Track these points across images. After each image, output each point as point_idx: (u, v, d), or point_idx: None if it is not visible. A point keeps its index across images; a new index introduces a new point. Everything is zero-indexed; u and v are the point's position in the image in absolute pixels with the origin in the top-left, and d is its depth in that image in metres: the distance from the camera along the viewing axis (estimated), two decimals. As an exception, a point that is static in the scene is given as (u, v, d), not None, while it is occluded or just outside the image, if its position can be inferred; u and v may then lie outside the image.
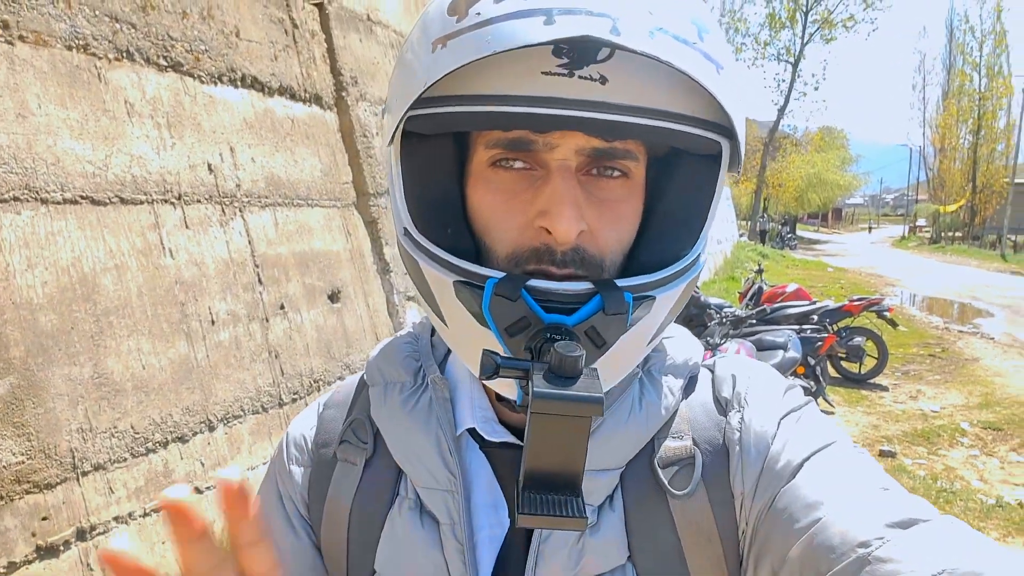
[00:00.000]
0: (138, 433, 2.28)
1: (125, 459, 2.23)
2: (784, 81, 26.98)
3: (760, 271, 8.13)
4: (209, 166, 2.83)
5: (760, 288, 7.49)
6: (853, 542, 0.48)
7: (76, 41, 2.32)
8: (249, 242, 2.98)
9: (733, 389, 0.63)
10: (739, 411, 0.61)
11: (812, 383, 5.39)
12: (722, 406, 0.62)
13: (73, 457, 2.06)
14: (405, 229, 0.57)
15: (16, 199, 2.05)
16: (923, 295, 14.95)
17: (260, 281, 3.00)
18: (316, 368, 3.26)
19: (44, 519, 1.95)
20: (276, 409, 2.97)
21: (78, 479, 2.07)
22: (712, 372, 0.65)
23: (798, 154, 37.31)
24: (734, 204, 24.90)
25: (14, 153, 2.06)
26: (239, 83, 3.08)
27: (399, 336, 0.71)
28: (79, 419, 2.10)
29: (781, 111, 26.77)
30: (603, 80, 0.49)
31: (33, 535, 1.92)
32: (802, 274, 16.52)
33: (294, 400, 3.08)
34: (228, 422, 2.69)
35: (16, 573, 1.86)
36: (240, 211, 2.97)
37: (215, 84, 2.94)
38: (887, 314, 6.91)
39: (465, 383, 0.64)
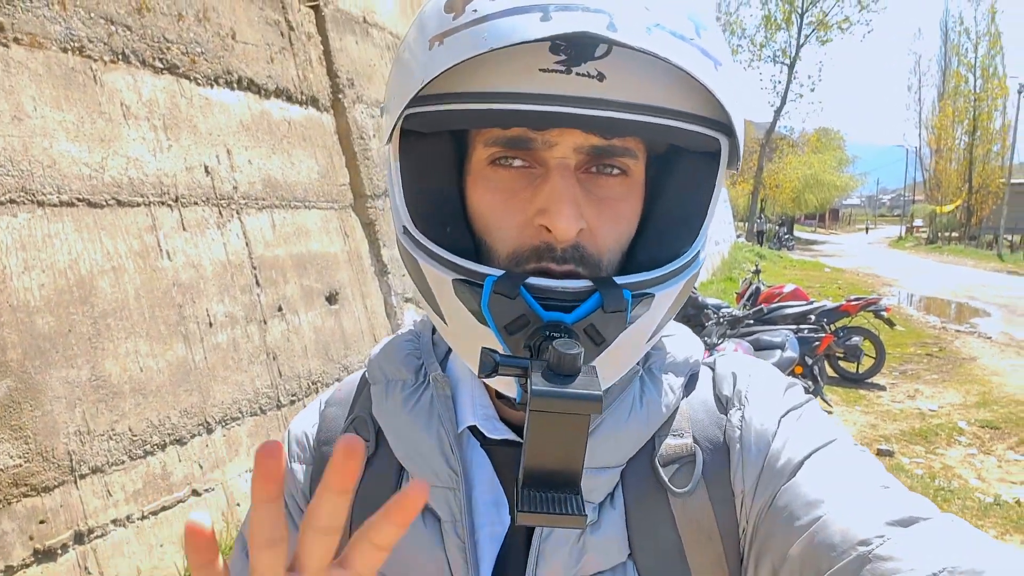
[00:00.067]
0: (136, 435, 2.28)
1: (123, 461, 2.22)
2: (780, 83, 27.08)
3: (757, 271, 8.14)
4: (206, 168, 2.83)
5: (758, 288, 7.50)
6: (854, 540, 0.48)
7: (71, 43, 2.32)
8: (246, 244, 2.98)
9: (734, 387, 0.62)
10: (740, 409, 0.61)
11: (810, 383, 5.40)
12: (723, 404, 0.62)
13: (71, 460, 2.05)
14: (404, 228, 0.57)
15: (12, 201, 2.05)
16: (920, 295, 14.99)
17: (258, 283, 3.00)
18: (314, 370, 3.25)
19: (42, 522, 1.94)
20: (274, 411, 2.97)
21: (76, 482, 2.06)
22: (713, 370, 0.65)
23: (795, 155, 37.39)
24: (731, 205, 24.96)
25: (10, 156, 2.06)
26: (235, 85, 3.08)
27: (400, 334, 0.71)
28: (77, 422, 2.09)
29: (777, 112, 26.85)
30: (601, 77, 0.49)
31: (31, 538, 1.91)
32: (799, 274, 16.55)
33: (292, 402, 3.08)
34: (226, 424, 2.68)
35: (13, 576, 1.85)
36: (237, 213, 2.96)
37: (211, 86, 2.94)
38: (884, 314, 6.92)
39: (466, 381, 0.64)
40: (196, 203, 2.75)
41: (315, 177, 3.54)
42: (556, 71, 0.49)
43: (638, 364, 0.62)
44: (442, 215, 0.56)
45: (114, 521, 2.16)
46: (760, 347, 4.82)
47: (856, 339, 6.74)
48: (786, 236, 32.38)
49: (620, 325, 0.52)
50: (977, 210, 34.22)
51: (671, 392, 0.62)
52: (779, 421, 0.59)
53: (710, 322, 5.50)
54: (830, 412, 5.97)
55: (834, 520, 0.50)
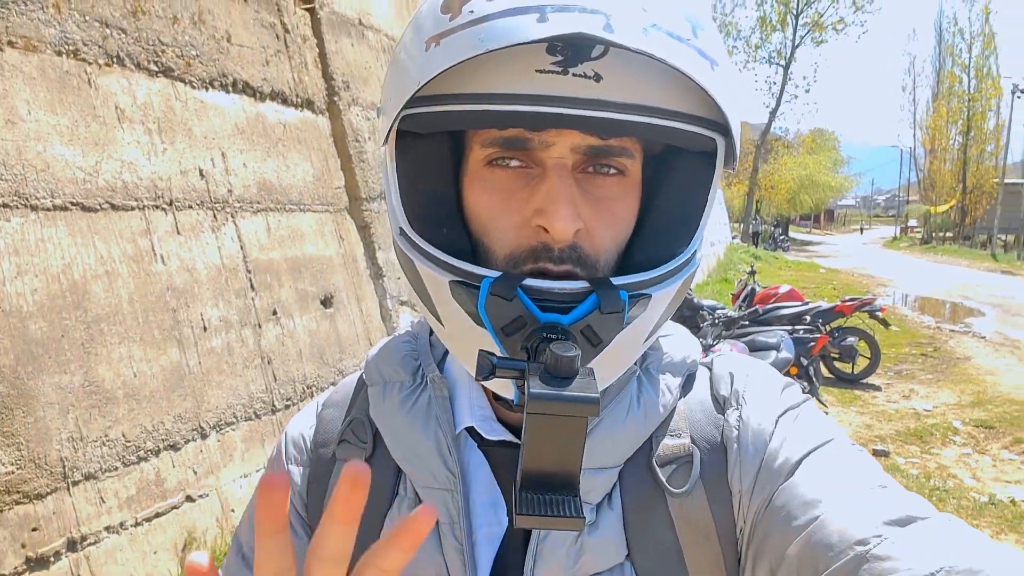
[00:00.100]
0: (129, 441, 2.27)
1: (116, 468, 2.21)
2: (775, 84, 27.16)
3: (753, 272, 8.15)
4: (201, 171, 2.81)
5: (753, 289, 7.51)
6: (851, 540, 0.48)
7: (66, 46, 2.31)
8: (241, 248, 2.97)
9: (731, 387, 0.62)
10: (737, 409, 0.61)
11: (805, 383, 5.41)
12: (720, 404, 0.62)
13: (63, 466, 2.04)
14: (401, 229, 0.57)
15: (5, 206, 2.03)
16: (915, 295, 15.04)
17: (252, 287, 2.99)
18: (309, 374, 3.24)
19: (34, 530, 1.93)
20: (269, 415, 2.95)
21: (68, 489, 2.05)
22: (710, 370, 0.65)
23: (790, 156, 37.49)
24: (727, 206, 25.00)
25: (3, 160, 2.04)
26: (230, 88, 3.07)
27: (398, 335, 0.71)
28: (69, 428, 2.08)
29: (772, 113, 26.93)
30: (597, 78, 0.49)
31: (23, 546, 1.90)
32: (795, 275, 16.59)
33: (287, 406, 3.07)
34: (221, 429, 2.67)
35: (6, 584, 1.84)
36: (232, 216, 2.95)
37: (206, 89, 2.93)
38: (879, 314, 6.94)
39: (464, 382, 0.64)
40: (191, 207, 2.74)
41: (310, 180, 3.54)
42: (553, 72, 0.49)
43: (635, 364, 0.62)
44: (439, 216, 0.56)
45: (107, 528, 2.15)
46: (755, 348, 4.83)
47: (851, 339, 6.76)
48: (781, 237, 32.46)
49: (617, 326, 0.52)
50: (971, 210, 34.38)
51: (668, 392, 0.62)
52: (776, 421, 0.59)
53: (705, 323, 5.51)
54: (826, 413, 5.97)
55: (832, 520, 0.50)
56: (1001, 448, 5.32)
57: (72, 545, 2.03)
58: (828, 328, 6.67)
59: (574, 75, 0.48)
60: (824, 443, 0.57)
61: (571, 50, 0.48)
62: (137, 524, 2.25)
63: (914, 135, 42.46)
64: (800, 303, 6.82)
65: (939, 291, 15.57)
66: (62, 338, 2.11)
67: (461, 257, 0.53)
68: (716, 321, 5.59)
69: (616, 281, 0.52)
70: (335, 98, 3.83)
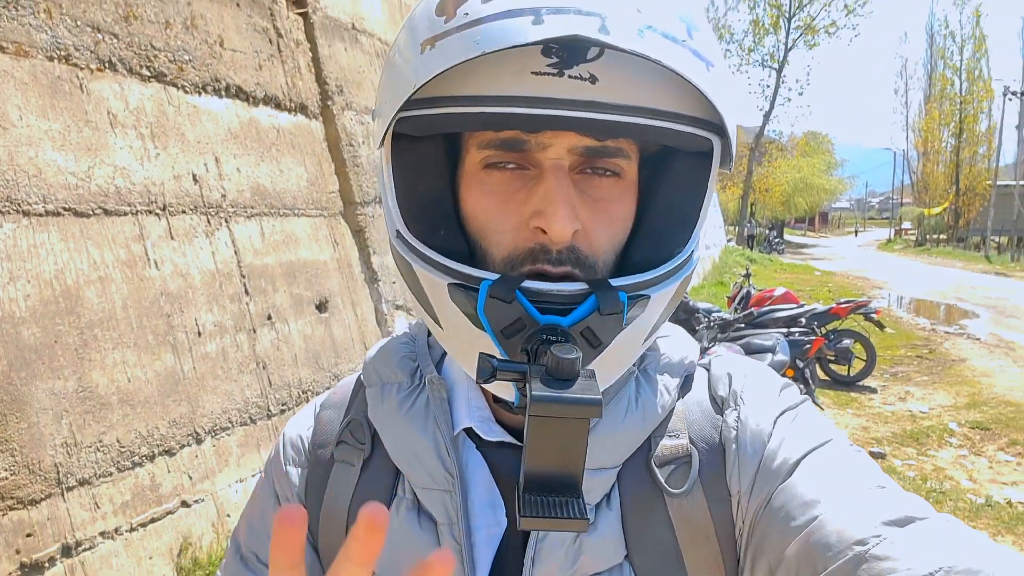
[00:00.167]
0: (124, 447, 2.26)
1: (111, 473, 2.20)
2: (769, 87, 27.27)
3: (748, 275, 8.17)
4: (194, 176, 2.81)
5: (748, 292, 7.52)
6: (850, 540, 0.48)
7: (57, 51, 2.31)
8: (235, 252, 2.96)
9: (729, 387, 0.62)
10: (735, 409, 0.61)
11: (801, 386, 5.42)
12: (718, 404, 0.62)
13: (58, 472, 2.03)
14: (398, 232, 0.56)
15: (-3, 211, 2.03)
16: (910, 297, 15.08)
17: (247, 292, 2.98)
18: (304, 378, 3.23)
19: (28, 535, 1.92)
20: (264, 420, 2.95)
21: (63, 494, 2.04)
22: (708, 371, 0.65)
23: (784, 159, 37.62)
24: (721, 209, 25.06)
25: (-5, 165, 2.04)
26: (223, 93, 3.07)
27: (396, 337, 0.71)
28: (63, 433, 2.07)
29: (766, 116, 27.03)
30: (593, 79, 0.49)
31: (17, 552, 1.88)
32: (790, 278, 16.63)
33: (282, 411, 3.06)
34: (216, 434, 2.66)
35: (-1, 591, 1.83)
36: (226, 221, 2.95)
37: (199, 94, 2.93)
38: (874, 316, 6.96)
39: (462, 383, 0.64)
40: (184, 212, 2.73)
41: (304, 184, 3.53)
42: (548, 74, 0.49)
43: (633, 365, 0.62)
44: (436, 219, 0.56)
45: (102, 533, 2.14)
46: (751, 351, 4.84)
47: (847, 342, 6.77)
48: (776, 240, 32.55)
49: (617, 327, 0.52)
50: (964, 212, 34.53)
51: (666, 393, 0.62)
52: (775, 421, 0.59)
53: (701, 326, 5.52)
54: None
55: (830, 520, 0.50)
56: (997, 449, 5.33)
57: (67, 551, 2.02)
58: (823, 331, 6.69)
59: (570, 77, 0.49)
60: (822, 443, 0.57)
61: (566, 52, 0.48)
62: (132, 529, 2.24)
63: (907, 138, 42.70)
64: (795, 306, 6.84)
65: (934, 293, 15.62)
66: (55, 344, 2.10)
67: (459, 260, 0.53)
68: (711, 324, 5.60)
69: (615, 282, 0.52)
70: (329, 102, 3.83)
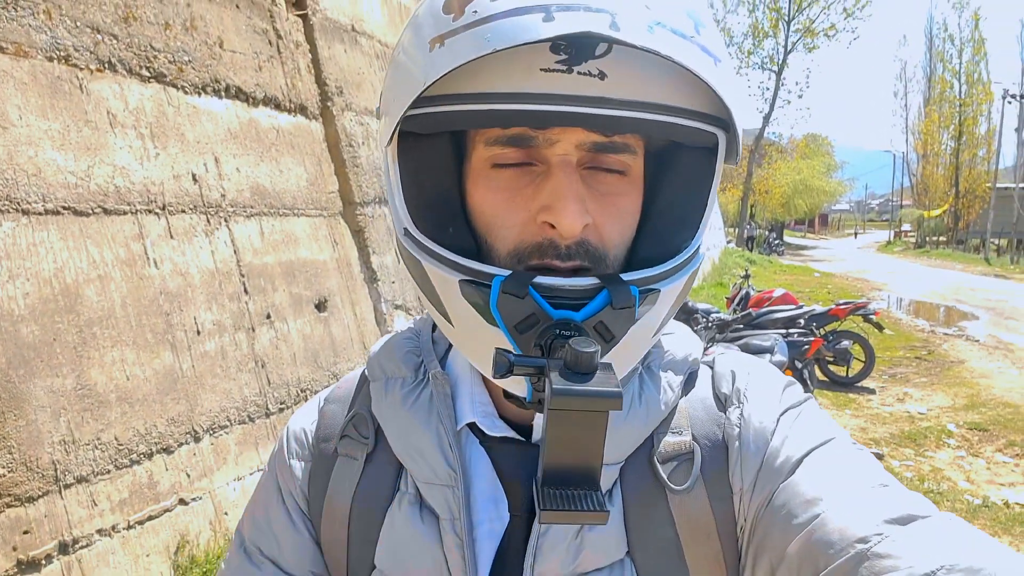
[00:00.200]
0: (122, 444, 2.26)
1: (109, 471, 2.21)
2: (768, 89, 27.28)
3: (747, 276, 8.17)
4: (193, 176, 2.82)
5: (747, 293, 7.52)
6: (852, 538, 0.48)
7: (57, 52, 2.32)
8: (235, 252, 2.97)
9: (732, 385, 0.63)
10: (738, 407, 0.61)
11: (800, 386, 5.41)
12: (721, 402, 0.62)
13: (55, 470, 2.04)
14: (406, 230, 0.56)
15: (-3, 210, 2.04)
16: (909, 299, 15.08)
17: (246, 291, 2.99)
18: (303, 377, 3.24)
19: (26, 532, 1.93)
20: (263, 419, 2.95)
21: (60, 492, 2.05)
22: (712, 368, 0.66)
23: (784, 161, 37.63)
24: (721, 211, 25.07)
25: (-5, 164, 2.05)
26: (223, 93, 3.08)
27: (400, 332, 0.70)
28: (61, 431, 2.08)
29: (766, 119, 27.04)
30: (602, 75, 0.49)
31: (14, 549, 1.89)
32: (789, 279, 16.63)
33: (281, 410, 3.06)
34: (214, 432, 2.67)
35: (-3, 588, 1.84)
36: (225, 221, 2.96)
37: (199, 95, 2.94)
38: (873, 318, 6.95)
39: (465, 379, 0.64)
40: (184, 211, 2.74)
41: (304, 185, 3.54)
42: (557, 71, 0.49)
43: (637, 362, 0.62)
44: (444, 216, 0.56)
45: (99, 531, 2.15)
46: (749, 351, 4.82)
47: (845, 343, 6.77)
48: (776, 241, 32.54)
49: (629, 321, 0.53)
50: (964, 214, 34.53)
51: (670, 390, 0.62)
52: (778, 419, 0.59)
53: (699, 327, 5.52)
54: (820, 416, 5.97)
55: (832, 518, 0.50)
56: (995, 451, 5.33)
57: (64, 548, 2.03)
58: (822, 332, 6.69)
59: (579, 73, 0.49)
60: (825, 442, 0.57)
61: (575, 48, 0.49)
62: (130, 527, 2.25)
63: (907, 140, 42.73)
64: (794, 307, 6.84)
65: (933, 295, 15.62)
66: (54, 342, 2.11)
67: (468, 257, 0.54)
68: (710, 324, 5.60)
69: (626, 277, 0.53)
70: (328, 103, 3.85)
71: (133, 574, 2.21)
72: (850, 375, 7.02)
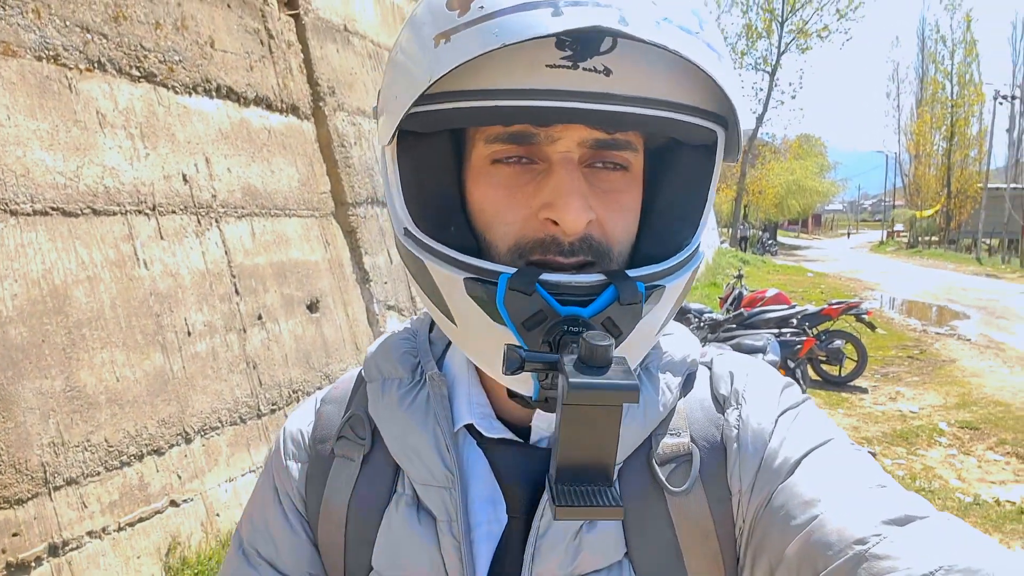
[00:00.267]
0: (112, 446, 2.25)
1: (99, 473, 2.20)
2: (762, 90, 27.33)
3: (740, 276, 8.20)
4: (184, 176, 2.81)
5: (740, 293, 7.55)
6: (850, 539, 0.48)
7: (46, 51, 2.31)
8: (226, 252, 2.96)
9: (731, 386, 0.62)
10: (737, 408, 0.61)
11: (792, 386, 5.42)
12: (720, 403, 0.62)
13: (45, 472, 2.03)
14: (406, 229, 0.56)
15: (-15, 211, 2.03)
16: (901, 298, 15.15)
17: (237, 292, 2.98)
18: (295, 378, 3.23)
19: (15, 535, 1.91)
20: (255, 420, 2.94)
21: (50, 494, 2.04)
22: (710, 369, 0.65)
23: (777, 161, 37.74)
24: (715, 211, 25.08)
25: (-18, 164, 2.04)
26: (214, 93, 3.07)
27: (397, 332, 0.70)
28: (51, 433, 2.06)
29: (759, 119, 27.10)
30: (607, 72, 0.49)
31: (3, 552, 1.88)
32: (783, 279, 16.68)
33: (273, 411, 3.06)
34: (205, 434, 2.66)
35: (-15, 591, 1.82)
36: (216, 221, 2.95)
37: (189, 94, 2.93)
38: (866, 317, 6.99)
39: (463, 380, 0.64)
40: (174, 212, 2.73)
41: (295, 185, 3.54)
42: (563, 67, 0.49)
43: (640, 360, 0.62)
44: (444, 215, 0.56)
45: (89, 533, 2.14)
46: (742, 351, 4.84)
47: (838, 342, 6.79)
48: (769, 241, 32.65)
49: (636, 317, 0.52)
50: (956, 214, 34.71)
51: (668, 391, 0.61)
52: (776, 420, 0.59)
53: (691, 326, 5.54)
54: (813, 415, 6.00)
55: (830, 519, 0.50)
56: (986, 449, 5.36)
57: (54, 550, 2.02)
58: (815, 331, 6.71)
59: (584, 69, 0.49)
60: (823, 443, 0.57)
61: (580, 44, 0.48)
62: (120, 529, 2.24)
63: (899, 141, 42.93)
64: (787, 306, 6.86)
65: (925, 294, 15.70)
66: (43, 343, 2.10)
67: (469, 255, 0.53)
68: (702, 324, 5.61)
69: (632, 273, 0.53)
70: (320, 103, 3.84)
71: (123, 576, 2.20)
72: (843, 374, 7.05)
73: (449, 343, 0.68)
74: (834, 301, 7.26)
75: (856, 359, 7.00)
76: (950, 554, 0.45)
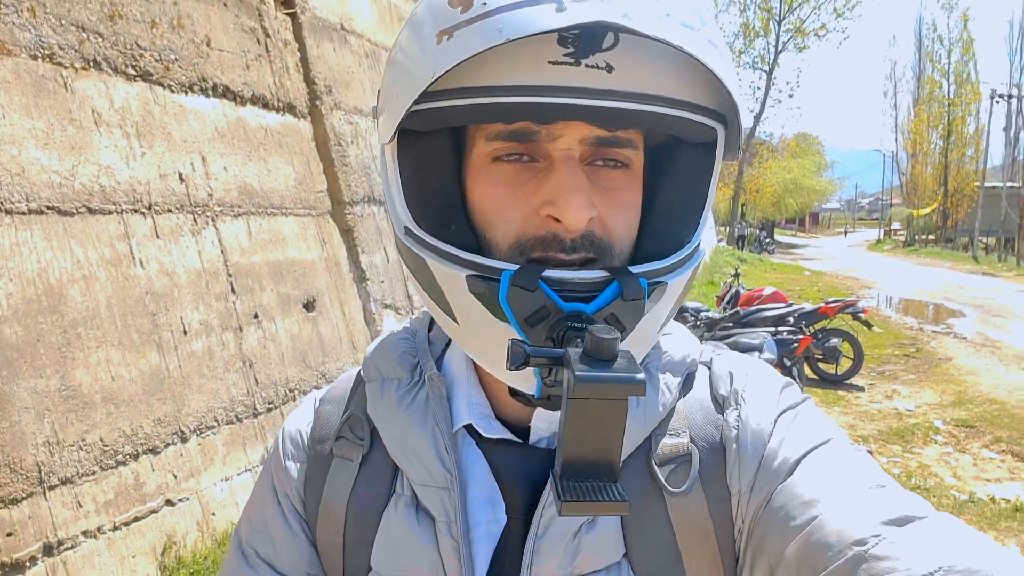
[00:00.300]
0: (107, 445, 2.25)
1: (94, 472, 2.20)
2: (759, 89, 27.36)
3: (737, 275, 8.20)
4: (180, 175, 2.81)
5: (737, 292, 7.56)
6: (849, 540, 0.48)
7: (41, 50, 2.30)
8: (222, 251, 2.96)
9: (730, 386, 0.62)
10: (736, 408, 0.61)
11: (789, 384, 5.43)
12: (719, 403, 0.62)
13: (39, 471, 2.03)
14: (406, 228, 0.56)
15: (-21, 210, 2.02)
16: (898, 297, 15.17)
17: (233, 290, 2.98)
18: (291, 377, 3.23)
19: (9, 535, 1.91)
20: (251, 419, 2.94)
21: (45, 493, 2.03)
22: (709, 369, 0.65)
23: (775, 160, 37.79)
24: (712, 210, 25.06)
25: (-23, 163, 2.03)
26: (210, 92, 3.07)
27: (396, 332, 0.70)
28: (46, 432, 2.06)
29: (757, 118, 27.12)
30: (609, 68, 0.49)
31: (-2, 551, 1.88)
32: (780, 278, 16.71)
33: (269, 410, 3.06)
34: (201, 433, 2.66)
35: (-20, 590, 1.82)
36: (212, 220, 2.95)
37: (186, 93, 2.92)
38: (862, 316, 7.00)
39: (462, 380, 0.64)
40: (170, 210, 2.73)
41: (292, 184, 3.53)
42: (565, 63, 0.48)
43: (642, 358, 0.62)
44: (445, 213, 0.56)
45: (84, 532, 2.14)
46: (738, 350, 4.85)
47: (834, 341, 6.81)
48: (767, 240, 32.70)
49: (639, 314, 0.52)
50: (953, 213, 34.78)
51: (668, 391, 0.61)
52: (775, 421, 0.59)
53: (688, 324, 5.54)
54: (809, 413, 6.00)
55: (830, 520, 0.50)
56: (981, 447, 5.38)
57: (48, 550, 2.02)
58: (811, 330, 6.72)
59: (586, 66, 0.49)
60: (823, 443, 0.57)
61: (583, 41, 0.48)
62: (115, 528, 2.23)
63: (896, 139, 43.01)
64: (784, 305, 6.87)
65: (922, 293, 15.73)
66: (38, 342, 2.10)
67: (471, 252, 0.53)
68: (699, 323, 5.62)
69: (634, 269, 0.53)
70: (317, 102, 3.83)
71: (119, 575, 2.20)
72: (839, 373, 7.07)
73: (448, 343, 0.67)
74: (831, 299, 7.27)
75: (852, 357, 7.02)
76: (949, 554, 0.45)
